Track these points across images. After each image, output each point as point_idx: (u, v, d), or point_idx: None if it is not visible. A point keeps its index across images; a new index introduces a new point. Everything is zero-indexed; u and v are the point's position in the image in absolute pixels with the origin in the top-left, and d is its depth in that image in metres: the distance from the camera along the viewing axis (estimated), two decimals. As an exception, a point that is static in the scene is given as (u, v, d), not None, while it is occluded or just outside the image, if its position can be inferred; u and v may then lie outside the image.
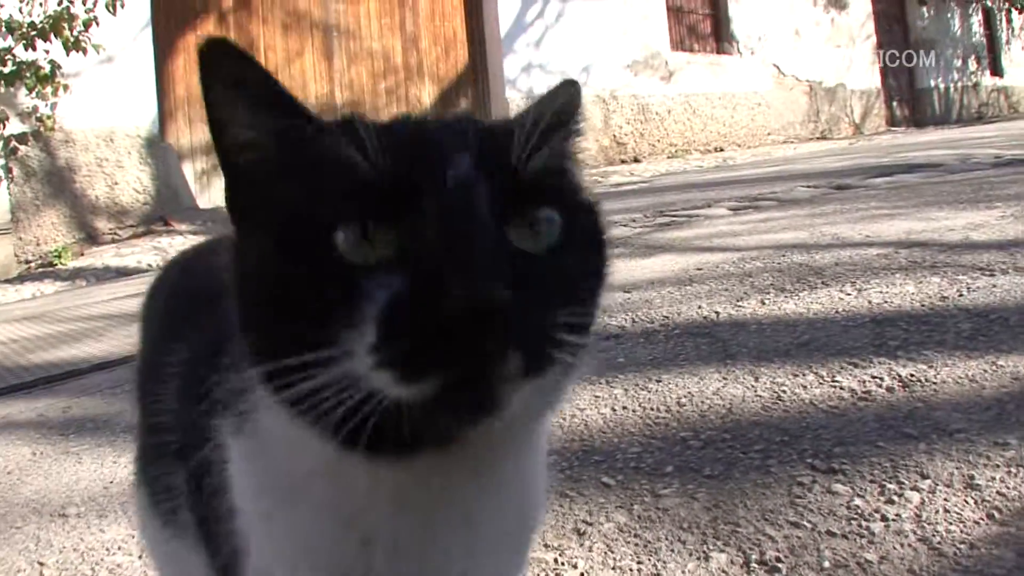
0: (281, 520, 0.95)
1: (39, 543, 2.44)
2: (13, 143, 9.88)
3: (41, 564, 2.31)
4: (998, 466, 2.06)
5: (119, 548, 2.34)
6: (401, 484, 0.88)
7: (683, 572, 1.83)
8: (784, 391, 2.69)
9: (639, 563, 1.89)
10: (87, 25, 9.69)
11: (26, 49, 9.42)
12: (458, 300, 0.72)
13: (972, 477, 2.04)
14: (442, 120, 0.88)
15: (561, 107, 0.97)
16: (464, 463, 0.88)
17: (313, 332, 0.78)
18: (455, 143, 0.82)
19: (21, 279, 9.62)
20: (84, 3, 9.69)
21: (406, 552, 0.93)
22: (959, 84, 24.63)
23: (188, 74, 11.91)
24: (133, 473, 1.54)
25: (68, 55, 9.67)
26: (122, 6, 9.84)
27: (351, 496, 0.90)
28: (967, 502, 1.94)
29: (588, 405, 2.80)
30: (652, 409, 2.69)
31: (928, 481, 2.05)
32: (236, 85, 0.87)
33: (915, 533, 1.86)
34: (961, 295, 3.43)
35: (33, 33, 9.37)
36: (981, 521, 1.87)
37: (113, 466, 2.96)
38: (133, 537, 2.38)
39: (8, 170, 9.96)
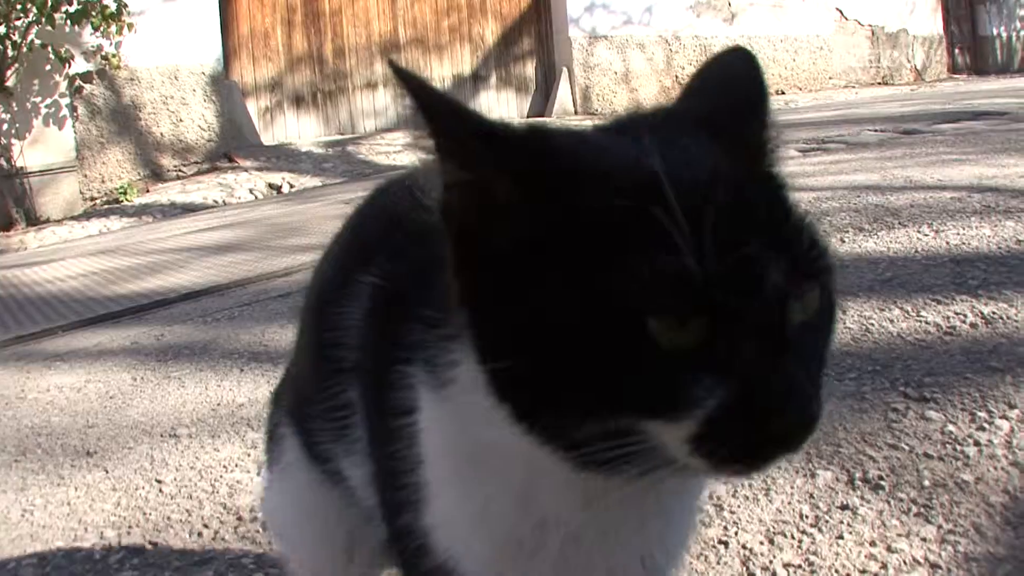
0: (468, 484, 0.97)
1: (154, 462, 2.54)
2: (78, 82, 10.00)
3: (159, 482, 2.41)
4: (1082, 399, 2.13)
5: (236, 466, 2.44)
6: (597, 488, 0.89)
7: (792, 487, 1.91)
8: (872, 324, 2.75)
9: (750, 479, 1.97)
10: (153, -37, 9.77)
11: (92, -13, 9.51)
12: (786, 424, 0.77)
13: (1058, 409, 2.10)
14: (736, 195, 0.82)
15: (755, 109, 0.97)
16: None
17: (607, 405, 0.79)
18: (768, 242, 0.80)
19: (87, 215, 9.76)
20: (150, -59, 9.75)
21: (581, 542, 0.97)
22: (1022, 33, 24.21)
23: (252, 11, 11.96)
24: (275, 408, 1.54)
25: (134, -6, 9.76)
26: (187, -56, 9.91)
27: (537, 484, 0.93)
28: (1054, 431, 2.01)
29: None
30: (746, 338, 2.76)
31: (1016, 411, 2.11)
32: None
33: (1007, 458, 1.93)
34: (1037, 239, 3.46)
35: (99, -29, 9.45)
36: (1069, 449, 1.94)
37: (218, 389, 3.06)
38: (249, 456, 2.47)
39: (73, 108, 10.08)
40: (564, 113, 14.12)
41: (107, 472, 2.52)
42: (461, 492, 0.98)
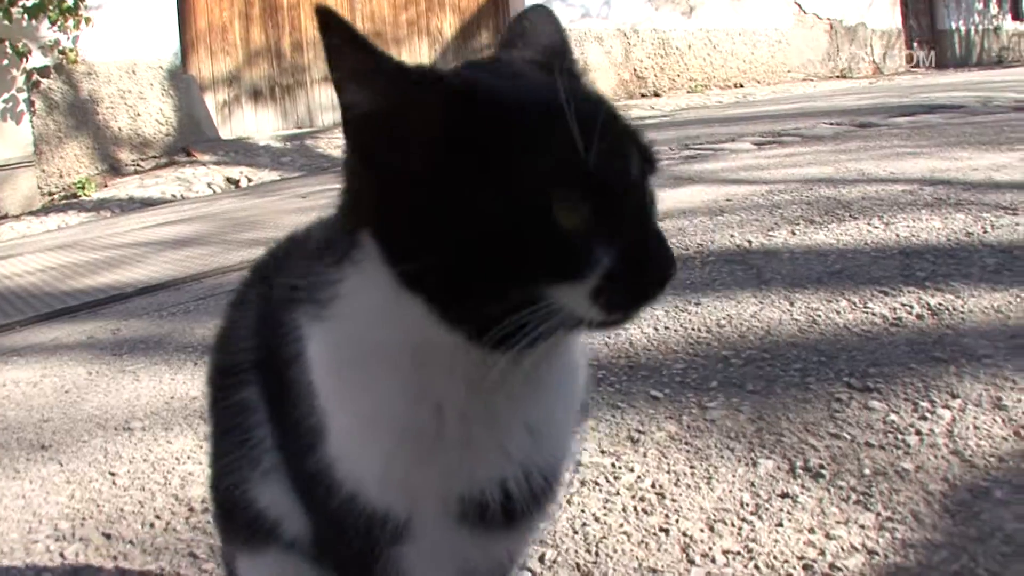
0: (361, 389, 1.08)
1: (107, 455, 2.54)
2: (35, 77, 9.94)
3: (112, 474, 2.41)
4: (1024, 389, 2.17)
5: (188, 458, 2.44)
6: (488, 365, 1.03)
7: (733, 476, 1.94)
8: (819, 315, 2.78)
9: (692, 468, 2.00)
10: (110, -44, 9.72)
11: (49, -19, 9.44)
12: (660, 274, 1.00)
13: (1000, 399, 2.14)
14: (600, 108, 1.02)
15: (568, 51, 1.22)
16: (542, 353, 1.05)
17: (521, 277, 0.97)
18: (626, 142, 1.03)
19: (45, 211, 9.70)
20: (107, -66, 9.70)
21: (475, 419, 1.08)
22: (980, 27, 24.34)
23: (209, 5, 11.91)
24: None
25: (90, -14, 9.70)
26: (144, -63, 9.86)
27: (428, 371, 1.05)
28: (996, 420, 2.05)
29: (631, 324, 2.88)
30: (693, 329, 2.80)
31: (958, 400, 2.15)
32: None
33: (947, 447, 1.96)
34: (985, 231, 3.50)
35: (56, -36, 9.39)
36: (1009, 437, 1.98)
37: (172, 383, 3.06)
38: (201, 448, 2.47)
39: (30, 103, 10.02)
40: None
41: (62, 465, 2.52)
42: (360, 396, 1.09)
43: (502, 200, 0.95)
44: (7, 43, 9.48)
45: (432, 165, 0.97)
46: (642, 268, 0.99)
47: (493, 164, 0.97)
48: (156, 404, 2.88)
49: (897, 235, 3.58)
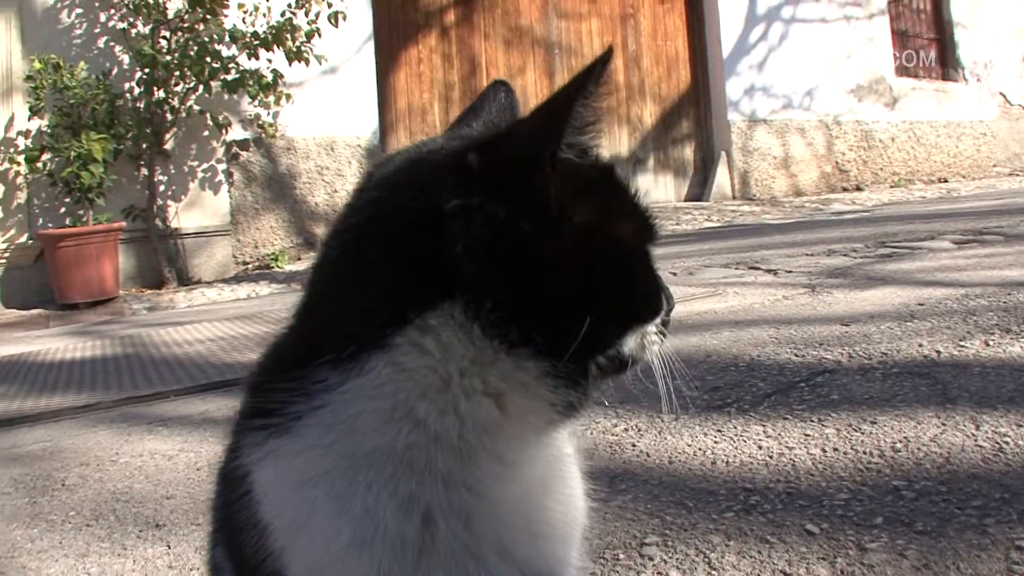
0: (337, 505, 0.94)
1: (217, 543, 2.42)
2: (235, 149, 10.19)
3: (217, 565, 2.28)
4: None
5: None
6: (504, 454, 0.99)
7: (891, 639, 1.67)
8: (1007, 442, 2.47)
9: (838, 623, 1.74)
10: (309, 36, 9.91)
11: (249, 58, 9.70)
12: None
13: None
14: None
15: None
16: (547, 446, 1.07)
17: (630, 319, 1.04)
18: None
19: (238, 280, 9.88)
20: (307, 15, 9.95)
21: (471, 524, 0.97)
22: None
23: (409, 87, 12.10)
24: None
25: (290, 65, 9.90)
26: (344, 19, 10.06)
27: (431, 472, 0.95)
28: None
29: (797, 444, 2.64)
30: (864, 453, 2.51)
31: None
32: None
33: None
34: None
35: (256, 43, 9.66)
36: None
37: (305, 471, 2.92)
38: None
39: (229, 174, 10.28)
40: (722, 198, 13.99)
41: (169, 547, 2.43)
42: (332, 520, 0.95)
43: (612, 254, 1.01)
44: (208, 115, 9.73)
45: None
46: (669, 300, 1.11)
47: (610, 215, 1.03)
48: (284, 492, 2.74)
49: (1104, 350, 3.24)
